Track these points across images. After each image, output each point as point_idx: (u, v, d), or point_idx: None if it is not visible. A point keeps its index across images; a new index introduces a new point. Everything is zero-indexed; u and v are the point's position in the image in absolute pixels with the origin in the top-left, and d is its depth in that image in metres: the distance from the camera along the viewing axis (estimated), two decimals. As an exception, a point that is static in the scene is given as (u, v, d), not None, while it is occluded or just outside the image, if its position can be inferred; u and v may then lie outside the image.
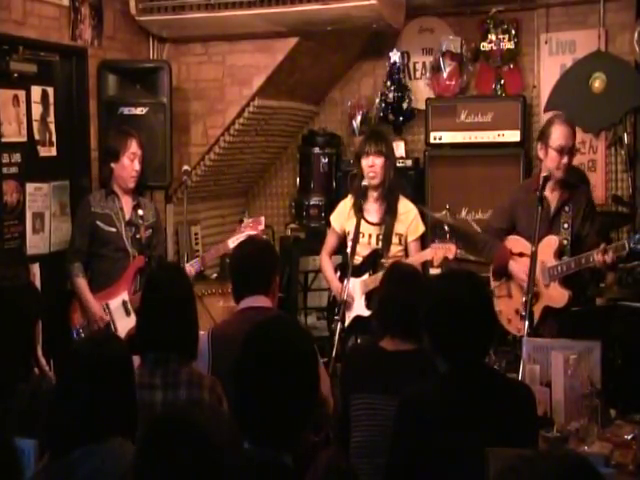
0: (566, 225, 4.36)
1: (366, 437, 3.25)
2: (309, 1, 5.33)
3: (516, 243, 4.44)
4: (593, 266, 4.18)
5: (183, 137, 5.96)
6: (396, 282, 3.47)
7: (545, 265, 4.29)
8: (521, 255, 4.38)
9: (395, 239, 4.77)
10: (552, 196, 4.41)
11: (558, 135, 4.34)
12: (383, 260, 4.70)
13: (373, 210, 4.80)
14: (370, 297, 4.67)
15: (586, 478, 1.56)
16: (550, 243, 4.31)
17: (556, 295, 4.30)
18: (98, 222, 4.85)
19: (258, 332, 2.21)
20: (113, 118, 5.34)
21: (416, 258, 4.63)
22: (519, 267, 4.36)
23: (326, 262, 5.00)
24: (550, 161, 4.35)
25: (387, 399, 3.10)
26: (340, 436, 3.39)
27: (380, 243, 4.75)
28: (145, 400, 2.74)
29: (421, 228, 4.85)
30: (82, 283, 4.81)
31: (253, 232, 4.80)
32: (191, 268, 4.85)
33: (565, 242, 4.34)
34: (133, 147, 4.94)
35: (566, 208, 4.38)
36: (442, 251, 4.56)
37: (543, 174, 4.34)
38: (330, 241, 5.02)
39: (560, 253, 4.32)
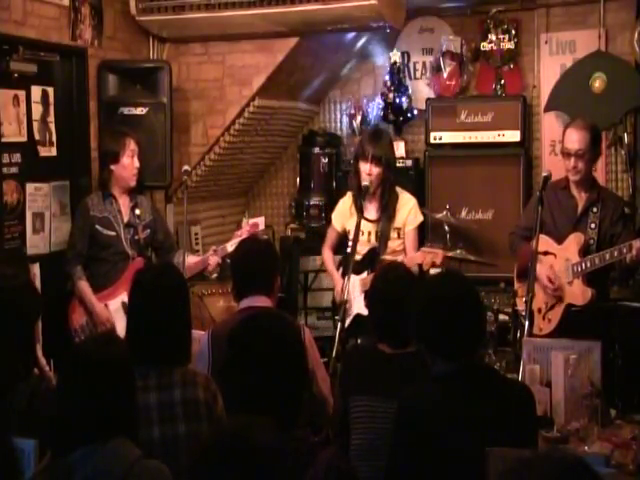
0: (593, 225, 4.36)
1: (366, 439, 3.24)
2: (309, 1, 5.32)
3: (541, 241, 4.38)
4: (621, 262, 4.14)
5: (183, 137, 5.96)
6: (385, 283, 3.46)
7: (569, 262, 4.30)
8: (546, 254, 4.36)
9: (394, 234, 4.80)
10: (580, 196, 4.44)
11: (566, 139, 4.39)
12: (382, 257, 4.72)
13: (371, 207, 4.82)
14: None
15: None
16: (576, 240, 4.32)
17: (579, 293, 4.29)
18: (97, 226, 4.84)
19: (238, 327, 2.24)
20: (113, 118, 5.34)
21: (408, 260, 4.64)
22: (542, 268, 4.32)
23: (328, 256, 5.05)
24: (564, 163, 4.42)
25: (386, 401, 3.09)
26: (340, 438, 3.39)
27: (378, 240, 4.77)
28: (139, 402, 2.72)
29: (419, 218, 4.88)
30: (86, 287, 4.80)
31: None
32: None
33: (591, 242, 4.34)
34: (132, 145, 4.94)
35: (594, 209, 4.39)
36: (430, 256, 4.57)
37: (544, 174, 4.37)
38: (331, 236, 5.06)
39: (585, 251, 4.30)
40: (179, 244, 6.04)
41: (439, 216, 5.66)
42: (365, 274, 4.74)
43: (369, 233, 4.79)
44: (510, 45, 6.17)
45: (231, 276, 3.69)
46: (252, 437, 1.72)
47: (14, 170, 4.78)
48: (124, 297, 4.80)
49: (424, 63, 6.52)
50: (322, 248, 5.12)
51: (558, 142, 5.90)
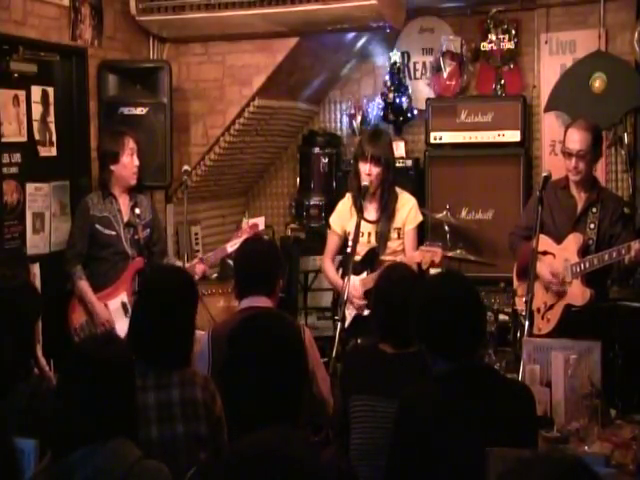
0: (592, 225, 4.36)
1: (366, 439, 3.24)
2: (309, 1, 5.32)
3: (540, 241, 4.35)
4: (619, 263, 4.15)
5: (183, 137, 5.96)
6: (388, 283, 3.46)
7: (568, 262, 4.30)
8: (545, 253, 4.35)
9: (394, 234, 4.77)
10: (580, 196, 4.44)
11: (568, 139, 4.38)
12: (381, 257, 4.71)
13: (371, 208, 4.80)
14: (368, 296, 4.68)
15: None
16: (575, 240, 4.32)
17: (577, 293, 4.29)
18: (97, 226, 4.84)
19: (238, 327, 2.24)
20: (113, 118, 5.34)
21: (407, 260, 4.63)
22: (544, 266, 4.33)
23: (328, 266, 4.91)
24: (564, 163, 4.42)
25: (387, 401, 3.09)
26: (340, 438, 3.39)
27: (378, 241, 4.76)
28: (137, 403, 2.72)
29: (419, 217, 4.84)
30: (86, 286, 4.80)
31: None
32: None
33: (590, 242, 4.33)
34: (130, 144, 4.95)
35: (594, 209, 4.39)
36: (429, 255, 4.56)
37: (544, 174, 4.38)
38: (331, 244, 4.93)
39: (584, 251, 4.31)
40: (179, 244, 6.05)
41: (439, 216, 5.66)
42: (365, 274, 4.73)
43: (369, 234, 4.77)
44: (510, 45, 6.17)
45: (234, 275, 3.69)
46: (289, 449, 1.72)
47: (14, 170, 4.78)
48: (124, 297, 4.81)
49: (424, 63, 6.52)
50: (323, 258, 5.02)
51: (558, 142, 5.92)
